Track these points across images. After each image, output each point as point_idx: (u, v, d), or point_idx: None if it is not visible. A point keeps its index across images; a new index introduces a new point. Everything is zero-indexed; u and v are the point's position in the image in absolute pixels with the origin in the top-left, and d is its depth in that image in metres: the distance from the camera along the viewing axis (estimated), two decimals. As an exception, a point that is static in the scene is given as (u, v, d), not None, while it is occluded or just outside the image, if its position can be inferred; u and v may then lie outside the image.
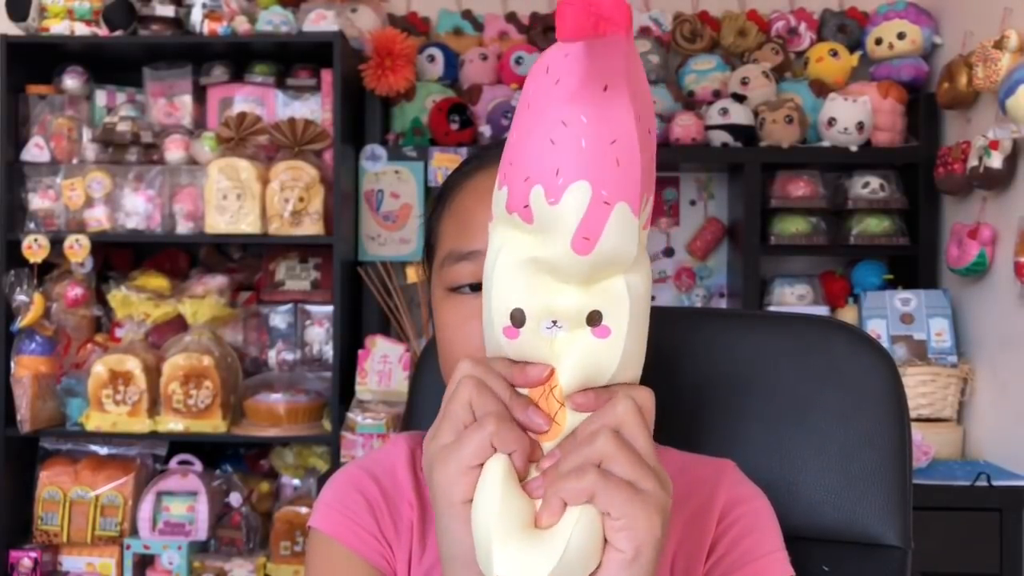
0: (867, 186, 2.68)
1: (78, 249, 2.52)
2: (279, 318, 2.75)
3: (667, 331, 1.01)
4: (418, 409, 1.09)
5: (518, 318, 0.60)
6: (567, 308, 0.60)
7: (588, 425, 0.61)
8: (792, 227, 2.71)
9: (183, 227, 2.59)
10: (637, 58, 0.58)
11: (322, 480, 2.51)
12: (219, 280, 2.63)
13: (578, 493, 0.58)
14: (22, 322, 2.50)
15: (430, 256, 0.87)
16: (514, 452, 0.60)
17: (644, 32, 2.87)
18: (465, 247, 0.78)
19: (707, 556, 0.81)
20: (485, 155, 0.85)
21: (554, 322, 0.60)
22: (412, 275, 2.65)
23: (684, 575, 0.80)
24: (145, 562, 2.52)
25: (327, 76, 2.68)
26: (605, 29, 0.51)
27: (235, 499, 2.57)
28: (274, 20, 2.59)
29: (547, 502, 0.59)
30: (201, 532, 2.51)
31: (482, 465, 0.60)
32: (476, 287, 0.77)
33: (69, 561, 2.56)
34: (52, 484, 2.53)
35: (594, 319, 0.60)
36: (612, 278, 0.60)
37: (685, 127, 2.68)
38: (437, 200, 0.87)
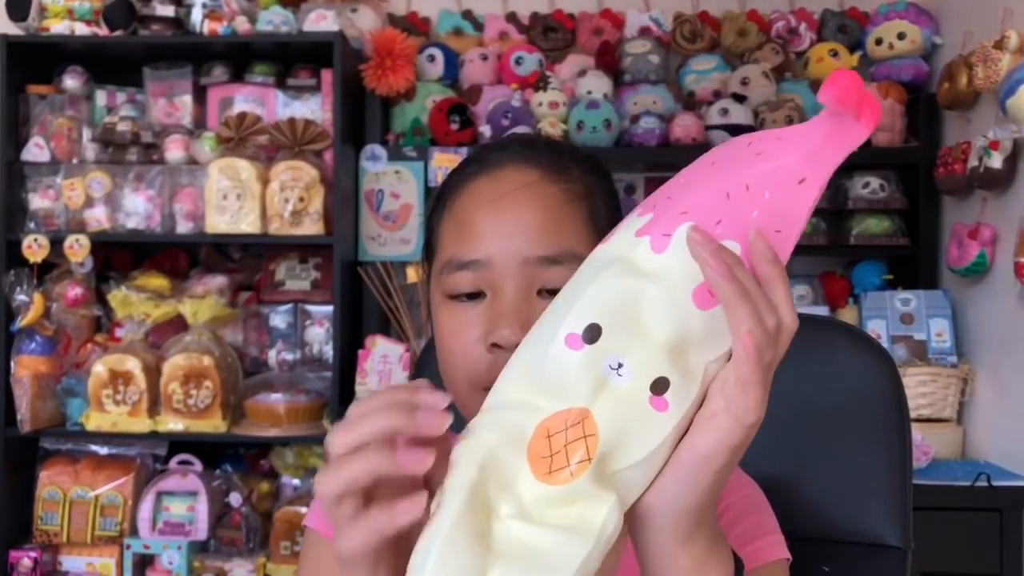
0: (867, 186, 2.68)
1: (78, 249, 2.52)
2: (279, 318, 2.75)
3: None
4: (418, 409, 1.09)
5: (592, 334, 0.55)
6: (645, 358, 0.54)
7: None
8: (792, 227, 2.71)
9: (183, 227, 2.59)
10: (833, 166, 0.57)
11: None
12: (219, 280, 2.63)
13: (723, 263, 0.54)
14: (22, 322, 2.50)
15: (429, 256, 0.87)
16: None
17: (644, 32, 2.87)
18: (465, 256, 0.77)
19: None
20: (487, 157, 0.83)
21: (620, 364, 0.55)
22: (412, 275, 2.65)
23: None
24: (145, 562, 2.52)
25: (327, 76, 2.68)
26: (860, 111, 0.52)
27: (235, 499, 2.57)
28: (274, 20, 2.59)
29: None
30: (201, 532, 2.51)
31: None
32: (473, 296, 0.77)
33: (69, 561, 2.56)
34: (52, 484, 2.53)
35: (659, 386, 0.54)
36: (700, 358, 0.55)
37: (685, 127, 2.68)
38: (437, 199, 0.86)
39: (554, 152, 0.83)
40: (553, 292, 0.76)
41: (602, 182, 0.85)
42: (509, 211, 0.78)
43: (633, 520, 0.57)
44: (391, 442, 0.56)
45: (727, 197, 0.56)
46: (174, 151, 2.63)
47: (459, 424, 0.89)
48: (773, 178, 0.55)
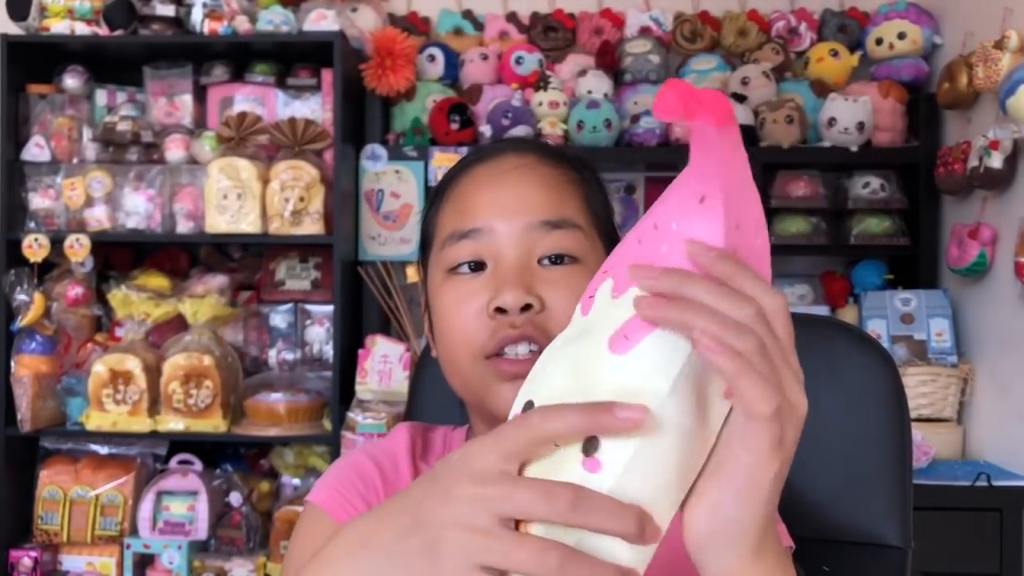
0: (867, 186, 2.68)
1: (78, 248, 2.52)
2: (279, 318, 2.75)
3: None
4: (418, 408, 1.10)
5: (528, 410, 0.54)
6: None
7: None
8: (792, 227, 2.71)
9: (183, 227, 2.59)
10: (740, 167, 0.56)
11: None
12: (219, 280, 2.63)
13: (737, 342, 0.50)
14: (22, 321, 2.50)
15: (426, 251, 0.87)
16: None
17: (644, 32, 2.87)
18: (465, 225, 0.78)
19: None
20: (484, 149, 0.86)
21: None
22: (412, 275, 2.65)
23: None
24: (145, 561, 2.52)
25: (327, 76, 2.68)
26: (693, 113, 0.51)
27: (235, 499, 2.57)
28: (274, 20, 2.59)
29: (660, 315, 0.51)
30: (201, 532, 2.51)
31: None
32: (475, 266, 0.78)
33: (69, 560, 2.56)
34: (52, 483, 2.53)
35: (589, 447, 0.51)
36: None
37: (686, 127, 2.67)
38: (435, 196, 0.87)
39: (546, 148, 0.87)
40: (553, 260, 0.77)
41: (593, 177, 0.88)
42: (509, 185, 0.80)
43: (699, 546, 0.55)
44: None
45: (639, 243, 0.56)
46: (174, 151, 2.63)
47: (461, 412, 0.89)
48: (675, 207, 0.55)
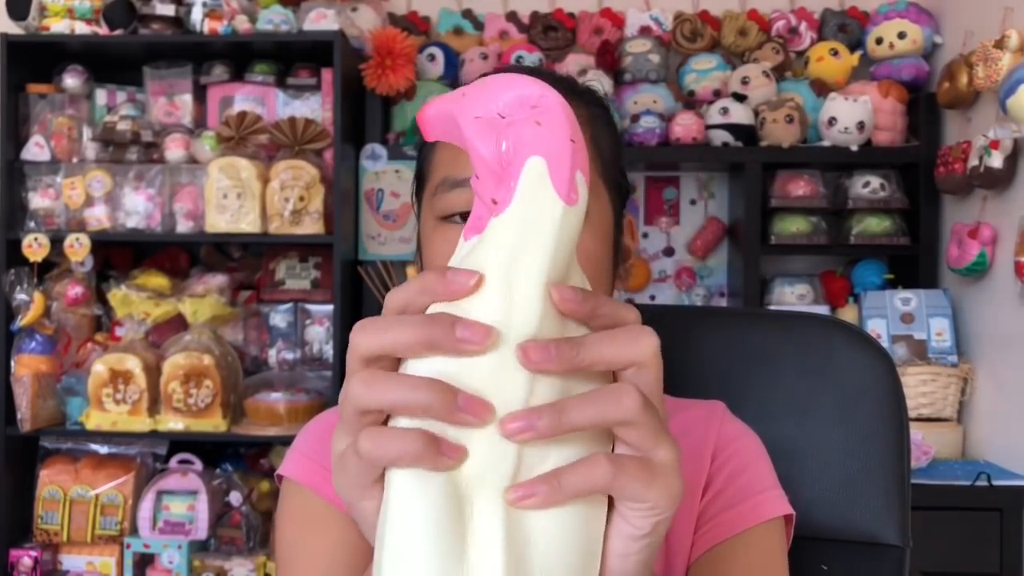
0: (867, 186, 2.68)
1: (78, 248, 2.52)
2: (279, 317, 2.75)
3: (667, 330, 1.01)
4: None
5: None
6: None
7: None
8: (792, 227, 2.71)
9: (183, 226, 2.59)
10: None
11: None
12: (219, 279, 2.63)
13: (588, 485, 0.46)
14: (22, 321, 2.50)
15: (420, 188, 0.84)
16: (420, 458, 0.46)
17: (644, 31, 2.87)
18: (460, 174, 0.75)
19: (704, 492, 0.80)
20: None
21: None
22: (412, 274, 2.65)
23: (679, 514, 0.80)
24: (145, 561, 2.52)
25: (327, 75, 2.68)
26: (423, 126, 0.54)
27: (235, 498, 2.57)
28: (274, 19, 2.59)
29: (540, 496, 0.46)
30: (201, 531, 2.51)
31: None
32: (468, 216, 0.75)
33: (69, 560, 2.56)
34: (52, 483, 2.53)
35: None
36: None
37: (685, 127, 2.68)
38: None
39: (555, 82, 0.80)
40: None
41: (603, 113, 0.84)
42: None
43: None
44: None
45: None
46: (174, 150, 2.63)
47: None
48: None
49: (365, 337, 0.47)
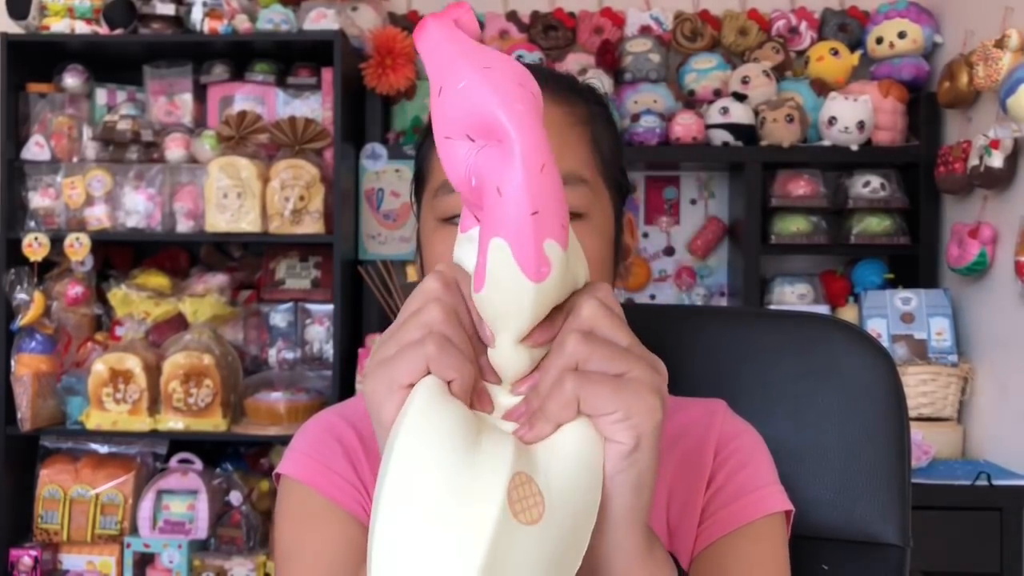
0: (868, 185, 2.68)
1: (78, 247, 2.52)
2: (279, 317, 2.75)
3: (667, 330, 1.01)
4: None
5: None
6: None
7: (559, 337, 0.56)
8: (793, 226, 2.71)
9: (183, 226, 2.59)
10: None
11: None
12: (219, 279, 2.63)
13: (564, 406, 0.54)
14: (22, 320, 2.50)
15: (419, 187, 0.84)
16: (453, 380, 0.54)
17: (644, 31, 2.87)
18: None
19: (706, 488, 0.81)
20: None
21: None
22: (412, 274, 2.65)
23: (681, 509, 0.81)
24: (145, 560, 2.52)
25: (327, 75, 2.68)
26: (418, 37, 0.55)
27: (235, 498, 2.57)
28: (274, 19, 2.59)
29: (534, 428, 0.55)
30: (201, 531, 2.51)
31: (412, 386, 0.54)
32: None
33: (69, 560, 2.56)
34: (52, 483, 2.53)
35: None
36: None
37: (686, 126, 2.68)
38: (429, 128, 0.84)
39: (556, 80, 0.82)
40: None
41: (603, 111, 0.84)
42: None
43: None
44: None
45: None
46: (174, 150, 2.63)
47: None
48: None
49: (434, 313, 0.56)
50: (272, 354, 2.73)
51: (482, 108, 0.50)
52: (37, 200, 2.62)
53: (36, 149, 2.63)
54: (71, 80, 2.72)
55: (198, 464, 2.57)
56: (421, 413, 0.52)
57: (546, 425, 0.54)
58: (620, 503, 0.55)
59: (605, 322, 0.56)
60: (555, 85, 0.79)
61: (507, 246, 0.51)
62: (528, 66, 0.82)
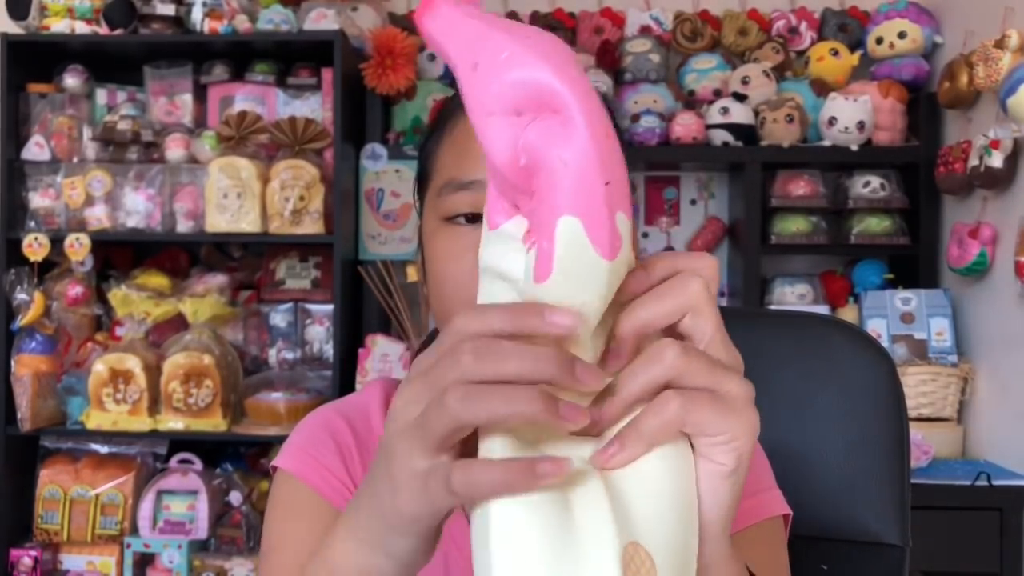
0: (868, 185, 2.68)
1: (78, 248, 2.52)
2: (279, 317, 2.75)
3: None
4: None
5: None
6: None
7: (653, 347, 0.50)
8: (793, 226, 2.71)
9: (183, 226, 2.59)
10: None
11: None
12: (219, 279, 2.63)
13: (665, 427, 0.48)
14: (22, 321, 2.50)
15: (423, 186, 0.84)
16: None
17: (644, 31, 2.87)
18: (466, 176, 0.74)
19: None
20: None
21: None
22: (412, 274, 2.65)
23: None
24: (145, 561, 2.52)
25: (328, 75, 2.68)
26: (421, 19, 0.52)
27: (235, 498, 2.57)
28: (275, 19, 2.59)
29: (625, 450, 0.48)
30: (201, 531, 2.51)
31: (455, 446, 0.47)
32: (472, 218, 0.74)
33: (69, 560, 2.56)
34: (52, 483, 2.53)
35: None
36: None
37: (686, 126, 2.68)
38: (433, 126, 0.84)
39: None
40: None
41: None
42: None
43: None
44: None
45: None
46: (174, 150, 2.63)
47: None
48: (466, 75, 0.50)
49: (474, 361, 0.46)
50: (272, 354, 2.73)
51: (534, 77, 0.46)
52: (37, 200, 2.62)
53: (36, 149, 2.63)
54: (71, 80, 2.72)
55: (198, 464, 2.57)
56: (507, 521, 0.45)
57: (639, 447, 0.49)
58: (714, 520, 0.52)
59: (707, 309, 0.51)
60: None
61: (578, 223, 0.46)
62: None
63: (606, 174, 0.46)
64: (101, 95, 2.79)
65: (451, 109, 0.82)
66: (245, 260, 2.87)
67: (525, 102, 0.47)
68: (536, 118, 0.47)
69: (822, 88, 2.74)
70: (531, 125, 0.47)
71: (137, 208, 2.59)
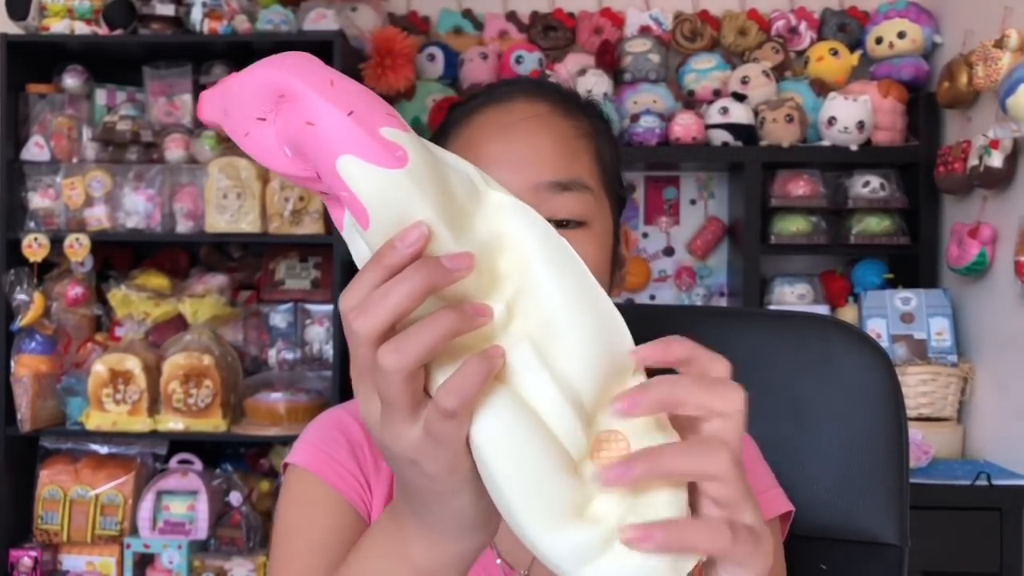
0: (867, 185, 2.68)
1: (78, 248, 2.52)
2: (279, 317, 2.75)
3: (667, 331, 1.01)
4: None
5: None
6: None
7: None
8: (792, 226, 2.71)
9: (183, 226, 2.59)
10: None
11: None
12: (219, 279, 2.63)
13: (705, 547, 0.49)
14: (22, 321, 2.50)
15: None
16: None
17: (644, 31, 2.87)
18: None
19: None
20: (495, 91, 0.83)
21: None
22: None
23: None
24: (145, 561, 2.52)
25: (327, 75, 2.67)
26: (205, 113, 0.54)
27: (235, 498, 2.57)
28: (274, 19, 2.59)
29: (655, 540, 0.48)
30: (201, 531, 2.51)
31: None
32: None
33: (69, 560, 2.56)
34: (52, 483, 2.53)
35: None
36: None
37: (685, 126, 2.68)
38: (439, 131, 0.85)
39: (563, 94, 0.83)
40: (559, 223, 0.75)
41: (605, 126, 0.86)
42: (520, 139, 0.77)
43: None
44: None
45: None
46: (174, 150, 2.63)
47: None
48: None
49: (368, 319, 0.48)
50: (272, 354, 2.73)
51: (260, 78, 0.50)
52: (37, 201, 2.62)
53: (36, 150, 2.63)
54: (71, 81, 2.72)
55: (198, 465, 2.57)
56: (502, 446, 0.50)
57: (674, 546, 0.49)
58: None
59: (739, 447, 0.51)
60: (562, 99, 0.82)
61: (350, 157, 0.48)
62: (537, 81, 0.84)
63: (344, 108, 0.48)
64: (101, 95, 2.79)
65: (456, 117, 0.83)
66: (245, 260, 2.87)
67: (266, 104, 0.51)
68: (277, 110, 0.50)
69: (822, 88, 2.74)
70: (276, 119, 0.50)
71: (137, 208, 2.59)
